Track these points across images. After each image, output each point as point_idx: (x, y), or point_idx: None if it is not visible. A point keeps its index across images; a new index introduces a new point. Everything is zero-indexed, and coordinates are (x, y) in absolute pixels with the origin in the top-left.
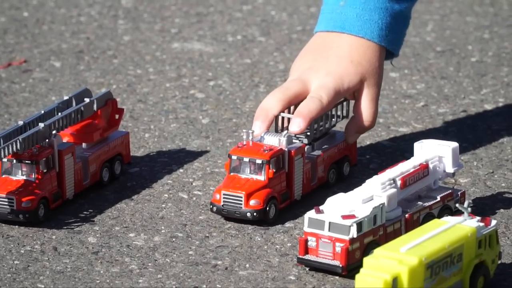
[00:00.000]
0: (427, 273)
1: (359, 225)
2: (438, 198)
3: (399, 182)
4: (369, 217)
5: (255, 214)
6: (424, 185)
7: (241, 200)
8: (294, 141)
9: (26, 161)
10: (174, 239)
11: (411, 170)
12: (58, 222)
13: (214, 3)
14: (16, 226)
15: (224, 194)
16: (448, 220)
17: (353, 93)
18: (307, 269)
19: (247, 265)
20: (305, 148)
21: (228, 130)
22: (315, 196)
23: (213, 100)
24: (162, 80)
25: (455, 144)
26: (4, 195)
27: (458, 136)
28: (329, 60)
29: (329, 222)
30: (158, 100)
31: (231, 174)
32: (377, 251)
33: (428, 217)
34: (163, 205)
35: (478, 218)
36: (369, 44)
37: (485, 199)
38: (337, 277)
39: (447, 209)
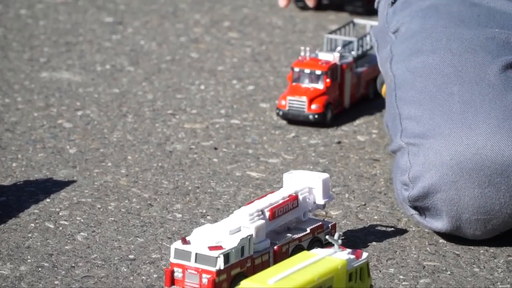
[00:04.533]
0: None
1: (226, 256)
2: (308, 230)
3: (267, 214)
4: (237, 249)
5: (316, 116)
6: (293, 216)
7: (304, 104)
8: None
9: None
10: (40, 269)
11: (280, 201)
12: None
13: (83, 33)
14: None
15: (289, 100)
16: (318, 252)
17: None
18: None
19: None
20: (353, 64)
21: (95, 160)
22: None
23: (81, 130)
24: (30, 109)
25: (325, 175)
26: None
27: (329, 168)
28: None
29: (196, 253)
30: (26, 129)
31: (293, 84)
32: (244, 283)
33: (298, 249)
34: (29, 235)
35: (349, 250)
36: None
37: (357, 231)
38: None
39: (317, 241)
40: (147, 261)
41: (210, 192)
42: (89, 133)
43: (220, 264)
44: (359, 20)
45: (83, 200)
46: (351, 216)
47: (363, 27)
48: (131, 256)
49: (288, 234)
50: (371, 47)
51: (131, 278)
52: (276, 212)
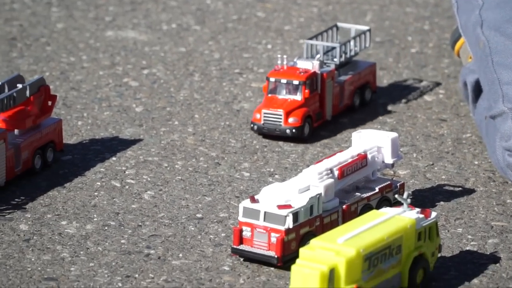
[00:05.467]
0: (365, 265)
1: (295, 215)
2: (377, 189)
3: (336, 172)
4: (306, 207)
5: (294, 131)
6: (362, 176)
7: (281, 118)
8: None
9: None
10: (106, 228)
11: (349, 160)
12: None
13: None
14: None
15: (264, 113)
16: (387, 211)
17: None
18: (242, 259)
19: (180, 255)
20: (335, 72)
21: (162, 119)
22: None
23: (147, 89)
24: (96, 68)
25: (394, 135)
26: None
27: (397, 127)
28: None
29: (265, 212)
30: (91, 88)
31: (269, 95)
32: (314, 241)
33: (366, 208)
34: (96, 193)
35: (418, 209)
36: None
37: (425, 191)
38: (272, 268)
39: (386, 201)
40: (214, 220)
41: (277, 151)
42: (155, 92)
43: (289, 223)
44: (343, 24)
45: (150, 158)
46: (419, 176)
47: (347, 32)
48: (199, 215)
49: (356, 193)
50: (356, 53)
51: (199, 237)
52: (345, 171)
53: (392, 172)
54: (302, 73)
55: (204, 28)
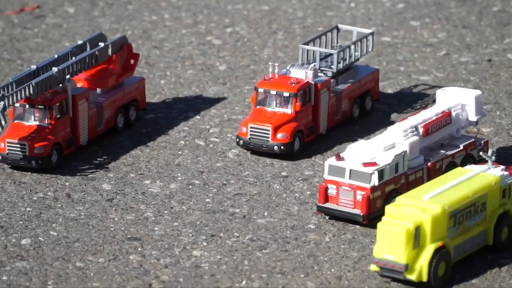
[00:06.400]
0: (450, 222)
1: (381, 173)
2: (461, 147)
3: (421, 130)
4: (391, 165)
5: (282, 147)
6: (446, 133)
7: (268, 133)
8: (319, 74)
9: (39, 106)
10: (190, 187)
11: (434, 118)
12: (72, 168)
13: None
14: (29, 173)
15: (251, 128)
16: (472, 168)
17: None
18: (327, 217)
19: (266, 213)
20: (331, 82)
21: (246, 77)
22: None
23: (230, 47)
24: (178, 27)
25: (478, 92)
26: (16, 141)
27: (480, 85)
28: None
29: (350, 170)
30: (174, 46)
31: (257, 107)
32: (399, 199)
33: (451, 165)
34: (179, 152)
35: (502, 167)
36: None
37: (509, 149)
38: (357, 226)
39: (470, 158)
40: (300, 178)
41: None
42: (239, 50)
43: (375, 181)
44: (344, 26)
45: (234, 117)
46: (503, 134)
47: (349, 34)
48: (284, 173)
49: (441, 151)
50: (357, 59)
51: (284, 196)
52: (430, 128)
53: (475, 130)
54: (293, 84)
55: None
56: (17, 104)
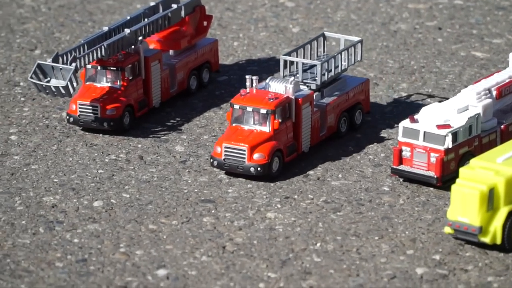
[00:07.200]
0: None
1: (454, 135)
2: None
3: (494, 93)
4: (464, 127)
5: (259, 169)
6: None
7: (244, 154)
8: (301, 87)
9: (111, 68)
10: None
11: (507, 81)
12: (144, 130)
13: None
14: (100, 135)
15: (225, 147)
16: None
17: None
18: (401, 180)
19: (340, 175)
20: (314, 96)
21: None
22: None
23: (303, 9)
24: None
25: None
26: (88, 103)
27: None
28: None
29: (424, 132)
30: (247, 8)
31: (233, 125)
32: (473, 161)
33: None
34: None
35: None
36: None
37: None
38: (431, 188)
39: None
40: (374, 140)
41: (435, 72)
42: (312, 12)
43: (449, 143)
44: (331, 34)
45: None
46: None
47: (335, 42)
48: (358, 135)
49: None
50: (345, 69)
51: (358, 158)
52: (503, 91)
53: None
54: (271, 100)
55: None
56: (89, 66)
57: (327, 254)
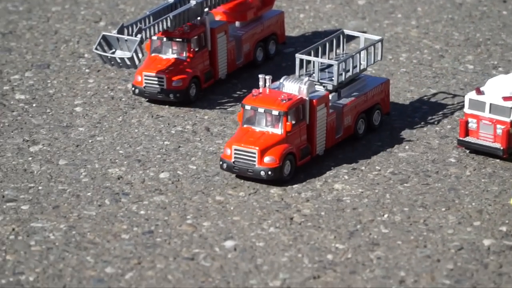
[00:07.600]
0: None
1: None
2: None
3: None
4: None
5: (269, 173)
6: None
7: (254, 157)
8: (317, 88)
9: (177, 39)
10: None
11: None
12: (210, 102)
13: None
14: (166, 106)
15: (235, 150)
16: None
17: None
18: (467, 151)
19: (407, 147)
20: (330, 96)
21: (385, 12)
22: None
23: None
24: None
25: None
26: (153, 74)
27: None
28: None
29: (490, 104)
30: None
31: (244, 126)
32: None
33: None
34: None
35: None
36: None
37: None
38: (498, 160)
39: None
40: (440, 112)
41: (501, 44)
42: None
43: None
44: (350, 32)
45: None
46: None
47: (355, 40)
48: (424, 107)
49: None
50: (364, 69)
51: (425, 129)
52: None
53: None
54: (284, 101)
55: None
56: (154, 37)
57: (394, 225)
